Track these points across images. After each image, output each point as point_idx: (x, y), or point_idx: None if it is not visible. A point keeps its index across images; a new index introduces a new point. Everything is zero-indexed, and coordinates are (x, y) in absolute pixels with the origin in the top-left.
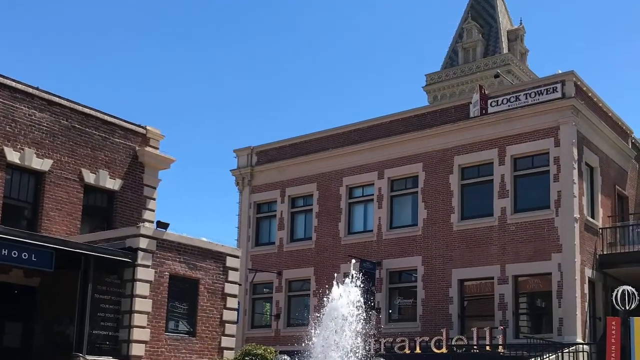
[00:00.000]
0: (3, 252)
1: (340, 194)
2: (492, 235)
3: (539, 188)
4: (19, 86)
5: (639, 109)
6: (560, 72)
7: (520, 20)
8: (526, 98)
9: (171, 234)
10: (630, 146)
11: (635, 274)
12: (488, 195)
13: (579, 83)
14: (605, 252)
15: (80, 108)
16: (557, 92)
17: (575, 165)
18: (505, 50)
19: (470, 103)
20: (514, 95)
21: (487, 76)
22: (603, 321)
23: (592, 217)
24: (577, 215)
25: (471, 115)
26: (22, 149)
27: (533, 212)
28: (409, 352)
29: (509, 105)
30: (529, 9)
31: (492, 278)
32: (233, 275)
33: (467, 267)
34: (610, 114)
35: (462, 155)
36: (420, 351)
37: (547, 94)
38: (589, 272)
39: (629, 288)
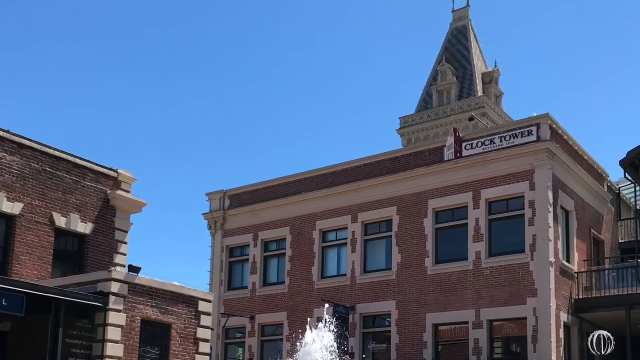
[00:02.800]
0: None
1: (313, 238)
2: (466, 280)
3: (514, 232)
4: None
5: (613, 152)
6: (535, 114)
7: (495, 63)
8: (501, 141)
9: (143, 278)
10: (605, 189)
11: (610, 318)
12: (462, 239)
13: (554, 126)
14: (580, 297)
15: (51, 151)
16: (532, 135)
17: (551, 209)
18: (479, 93)
19: (445, 146)
20: (488, 138)
21: (461, 119)
22: None
23: (568, 261)
24: (552, 259)
25: (445, 158)
26: None
27: (508, 256)
28: None
29: (483, 149)
30: (504, 52)
31: (467, 322)
32: (205, 320)
33: (442, 311)
34: (585, 157)
35: (436, 198)
36: None
37: (522, 136)
38: (564, 317)
39: (604, 332)
